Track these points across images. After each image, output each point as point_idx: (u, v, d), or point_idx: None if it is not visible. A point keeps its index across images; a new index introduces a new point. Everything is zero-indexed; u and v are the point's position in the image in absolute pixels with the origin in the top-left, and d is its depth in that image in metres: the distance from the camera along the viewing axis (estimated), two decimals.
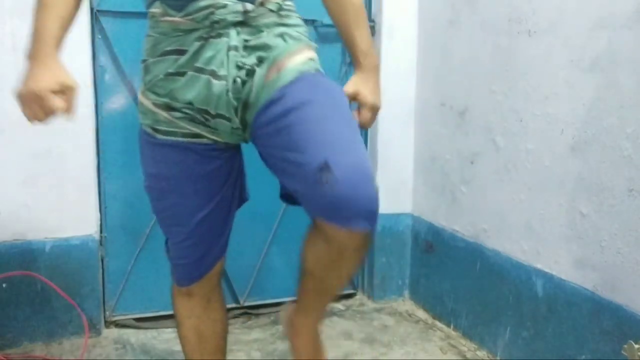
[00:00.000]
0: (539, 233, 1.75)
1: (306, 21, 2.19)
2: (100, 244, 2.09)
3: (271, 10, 1.16)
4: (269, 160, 1.16)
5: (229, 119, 1.16)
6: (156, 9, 1.16)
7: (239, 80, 1.12)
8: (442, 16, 2.19)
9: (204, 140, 1.20)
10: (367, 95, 1.28)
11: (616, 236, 1.49)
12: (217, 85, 1.12)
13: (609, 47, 1.49)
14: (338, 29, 1.31)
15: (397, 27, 2.32)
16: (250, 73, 1.13)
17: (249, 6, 1.13)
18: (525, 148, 1.79)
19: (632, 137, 1.44)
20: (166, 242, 1.34)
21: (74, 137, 1.97)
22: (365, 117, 1.29)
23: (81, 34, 1.94)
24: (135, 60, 2.03)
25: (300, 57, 1.17)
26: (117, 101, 2.06)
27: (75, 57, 1.94)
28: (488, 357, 1.97)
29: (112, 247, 2.11)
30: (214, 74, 1.12)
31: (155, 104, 1.19)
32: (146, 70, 1.21)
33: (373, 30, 2.33)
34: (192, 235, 1.26)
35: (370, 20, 2.34)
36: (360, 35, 1.28)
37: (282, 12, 1.19)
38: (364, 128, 1.33)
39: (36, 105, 1.05)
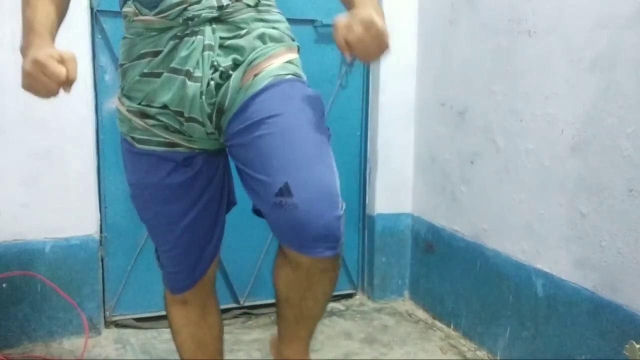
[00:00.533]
0: (539, 233, 1.75)
1: (306, 21, 2.22)
2: (100, 244, 2.09)
3: (248, 5, 1.12)
4: (239, 174, 1.15)
5: (202, 124, 1.12)
6: (129, 8, 1.12)
7: (212, 83, 1.09)
8: (442, 16, 2.19)
9: (181, 149, 1.16)
10: (363, 14, 0.97)
11: (616, 236, 1.49)
12: (192, 87, 1.09)
13: (609, 47, 1.49)
14: None
15: (397, 27, 2.32)
16: (226, 76, 1.10)
17: (224, 1, 1.09)
18: (525, 148, 1.79)
19: (632, 137, 1.44)
20: (156, 250, 1.31)
21: (74, 137, 1.97)
22: (359, 35, 0.96)
23: (81, 34, 1.94)
24: None
25: (278, 61, 1.13)
26: None
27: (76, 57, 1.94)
28: (488, 357, 1.97)
29: (112, 247, 2.11)
30: (189, 75, 1.08)
31: (129, 110, 1.16)
32: (123, 74, 1.17)
33: None
34: (179, 243, 1.24)
35: None
36: None
37: (261, 7, 1.14)
38: (361, 57, 1.03)
39: (42, 76, 0.98)
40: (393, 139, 2.38)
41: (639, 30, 1.41)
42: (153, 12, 1.09)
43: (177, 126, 1.14)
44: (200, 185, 1.20)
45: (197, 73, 1.08)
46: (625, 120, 1.45)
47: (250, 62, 1.10)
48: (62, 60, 0.99)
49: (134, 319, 2.16)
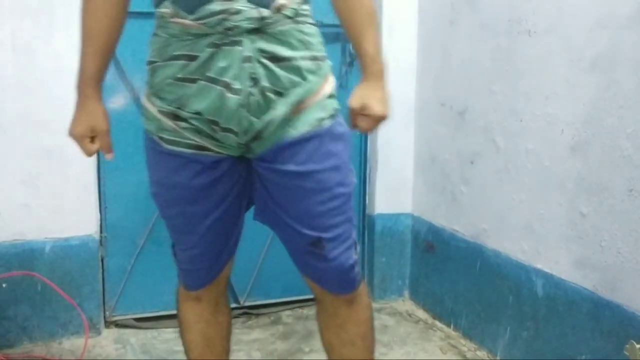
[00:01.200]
0: (539, 233, 1.75)
1: None
2: (100, 244, 2.09)
3: (287, 17, 1.11)
4: (261, 191, 1.22)
5: (236, 134, 1.13)
6: (166, 9, 1.11)
7: (252, 98, 1.09)
8: (442, 16, 2.19)
9: (209, 153, 1.16)
10: (374, 105, 1.21)
11: (616, 236, 1.49)
12: (232, 99, 1.08)
13: (609, 47, 1.49)
14: (346, 31, 1.25)
15: (397, 26, 2.32)
16: (265, 97, 1.10)
17: (265, 12, 1.07)
18: (525, 148, 1.79)
19: (632, 137, 1.44)
20: (173, 246, 1.32)
21: None
22: (368, 125, 1.24)
23: None
24: (135, 60, 2.03)
25: (319, 97, 1.15)
26: (117, 101, 2.06)
27: (76, 57, 1.94)
28: (488, 357, 1.97)
29: (112, 247, 2.11)
30: (228, 87, 1.08)
31: (160, 111, 1.15)
32: (152, 72, 1.16)
33: None
34: (200, 243, 1.25)
35: None
36: (369, 39, 1.22)
37: (299, 18, 1.14)
38: (363, 133, 1.28)
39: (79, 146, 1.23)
40: (393, 139, 2.38)
41: (639, 30, 1.41)
42: (191, 17, 1.08)
43: (209, 132, 1.14)
44: (224, 188, 1.21)
45: (236, 85, 1.08)
46: (625, 120, 1.46)
47: (293, 102, 1.12)
48: (95, 134, 1.23)
49: (134, 319, 2.16)
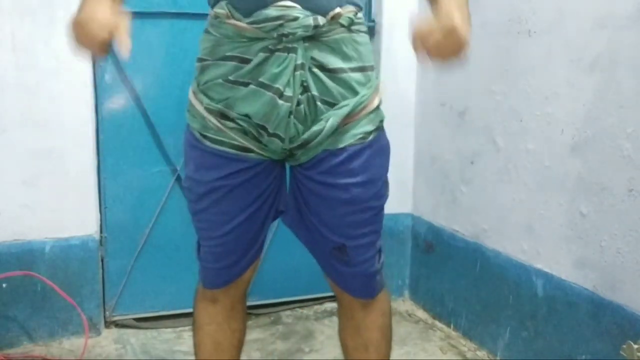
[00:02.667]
0: (539, 233, 1.75)
1: None
2: (100, 244, 2.09)
3: (342, 25, 1.11)
4: (299, 199, 1.22)
5: (282, 140, 1.13)
6: (221, 10, 1.11)
7: (301, 106, 1.10)
8: None
9: (251, 155, 1.16)
10: (442, 17, 0.97)
11: (616, 236, 1.49)
12: (283, 106, 1.09)
13: (609, 47, 1.49)
14: None
15: (397, 27, 2.32)
16: (314, 106, 1.11)
17: (321, 20, 1.08)
18: (525, 148, 1.79)
19: (632, 137, 1.44)
20: (198, 242, 1.32)
21: (74, 137, 1.97)
22: (435, 41, 0.96)
23: None
24: (135, 60, 2.03)
25: (367, 109, 1.16)
26: (117, 101, 2.06)
27: (75, 57, 1.94)
28: (488, 357, 1.97)
29: (112, 247, 2.11)
30: (280, 94, 1.08)
31: (207, 109, 1.15)
32: (202, 70, 1.16)
33: (373, 30, 2.33)
34: (222, 242, 1.24)
35: (370, 20, 2.34)
36: None
37: (353, 27, 1.14)
38: (437, 60, 0.99)
39: (84, 38, 1.02)
40: (393, 139, 2.35)
41: (639, 30, 1.41)
42: (247, 20, 1.08)
43: (255, 135, 1.14)
44: (257, 190, 1.20)
45: (288, 92, 1.09)
46: (625, 120, 1.46)
47: (343, 115, 1.12)
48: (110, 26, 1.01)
49: (134, 319, 2.16)
